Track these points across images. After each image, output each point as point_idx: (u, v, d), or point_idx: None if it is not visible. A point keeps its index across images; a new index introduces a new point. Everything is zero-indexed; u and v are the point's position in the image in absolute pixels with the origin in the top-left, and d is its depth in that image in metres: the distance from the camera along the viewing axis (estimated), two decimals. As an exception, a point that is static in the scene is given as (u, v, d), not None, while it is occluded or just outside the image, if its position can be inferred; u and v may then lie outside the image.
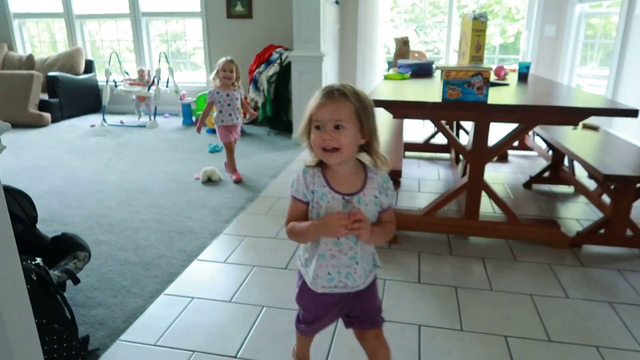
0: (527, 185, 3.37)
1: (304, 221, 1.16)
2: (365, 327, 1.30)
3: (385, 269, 2.21)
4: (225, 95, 3.39)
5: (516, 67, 3.41)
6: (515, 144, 4.11)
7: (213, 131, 5.15)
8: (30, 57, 6.29)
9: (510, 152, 4.17)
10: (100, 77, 6.36)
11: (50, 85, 5.72)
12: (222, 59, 3.39)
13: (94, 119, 5.93)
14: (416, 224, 2.55)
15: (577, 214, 2.89)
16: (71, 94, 5.94)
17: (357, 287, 1.21)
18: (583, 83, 5.18)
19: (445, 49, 5.74)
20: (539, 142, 3.94)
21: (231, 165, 3.60)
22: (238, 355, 1.64)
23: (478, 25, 2.61)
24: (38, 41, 6.92)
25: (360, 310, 1.28)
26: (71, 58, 6.10)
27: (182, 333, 1.77)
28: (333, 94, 1.07)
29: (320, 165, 1.16)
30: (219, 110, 3.41)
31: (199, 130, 3.48)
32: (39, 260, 1.60)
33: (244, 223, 2.78)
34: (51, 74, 5.74)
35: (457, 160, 3.76)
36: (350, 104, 1.06)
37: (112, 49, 6.46)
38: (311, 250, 1.21)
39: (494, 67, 3.35)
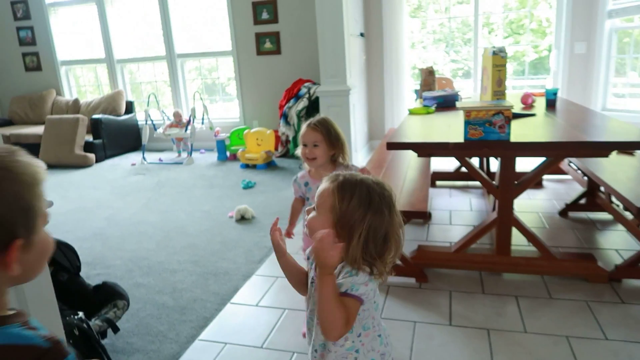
0: (563, 213, 3.27)
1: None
2: None
3: (415, 310, 2.21)
4: (316, 187, 1.97)
5: (544, 91, 3.35)
6: (550, 168, 4.02)
7: (246, 166, 5.30)
8: (76, 101, 6.72)
9: (544, 176, 4.07)
10: (140, 117, 6.71)
11: (94, 127, 6.07)
12: (303, 127, 1.92)
13: (135, 157, 6.22)
14: (447, 261, 2.54)
15: (617, 244, 2.79)
16: (113, 134, 6.28)
17: None
18: (622, 94, 4.99)
19: (474, 67, 5.74)
20: (574, 165, 3.83)
21: None
22: (269, 405, 1.67)
23: (498, 60, 2.62)
24: (84, 84, 7.38)
25: None
26: (113, 100, 6.47)
27: (216, 381, 1.83)
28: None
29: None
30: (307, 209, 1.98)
31: (289, 235, 2.02)
32: (81, 314, 1.71)
33: (276, 263, 2.81)
34: (95, 116, 6.10)
35: (489, 189, 3.71)
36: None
37: (151, 86, 6.82)
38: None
39: (521, 93, 3.32)
